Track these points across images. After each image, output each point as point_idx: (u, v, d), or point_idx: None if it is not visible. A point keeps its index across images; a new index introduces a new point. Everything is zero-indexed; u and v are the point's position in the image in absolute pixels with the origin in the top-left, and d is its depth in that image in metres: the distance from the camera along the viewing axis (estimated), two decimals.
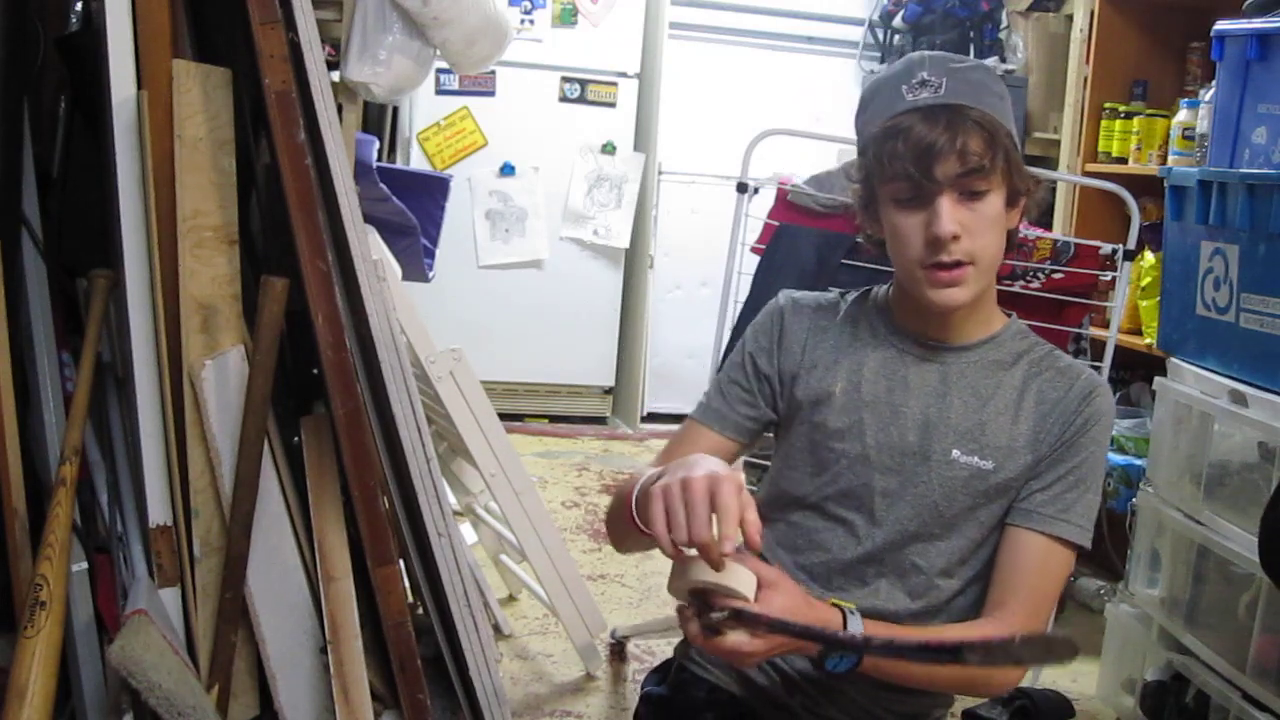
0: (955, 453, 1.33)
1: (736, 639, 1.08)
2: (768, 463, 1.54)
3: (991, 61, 4.14)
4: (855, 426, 1.36)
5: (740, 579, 1.10)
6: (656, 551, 1.12)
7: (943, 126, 1.24)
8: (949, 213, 1.25)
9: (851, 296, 1.47)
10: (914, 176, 1.26)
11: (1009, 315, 1.41)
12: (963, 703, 2.57)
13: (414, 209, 2.64)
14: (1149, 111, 3.34)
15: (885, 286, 1.45)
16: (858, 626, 1.17)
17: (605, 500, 3.78)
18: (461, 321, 4.36)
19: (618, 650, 2.72)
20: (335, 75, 2.19)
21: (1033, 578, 1.30)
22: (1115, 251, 2.65)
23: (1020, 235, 2.81)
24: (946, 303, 1.29)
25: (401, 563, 1.98)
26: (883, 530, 1.36)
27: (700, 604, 1.11)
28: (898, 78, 1.29)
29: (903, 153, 1.25)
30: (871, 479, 1.36)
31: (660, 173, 4.70)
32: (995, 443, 1.33)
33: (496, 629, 2.73)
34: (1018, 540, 1.32)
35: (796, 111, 4.42)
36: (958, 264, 1.27)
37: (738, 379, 1.46)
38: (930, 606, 1.37)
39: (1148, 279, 3.00)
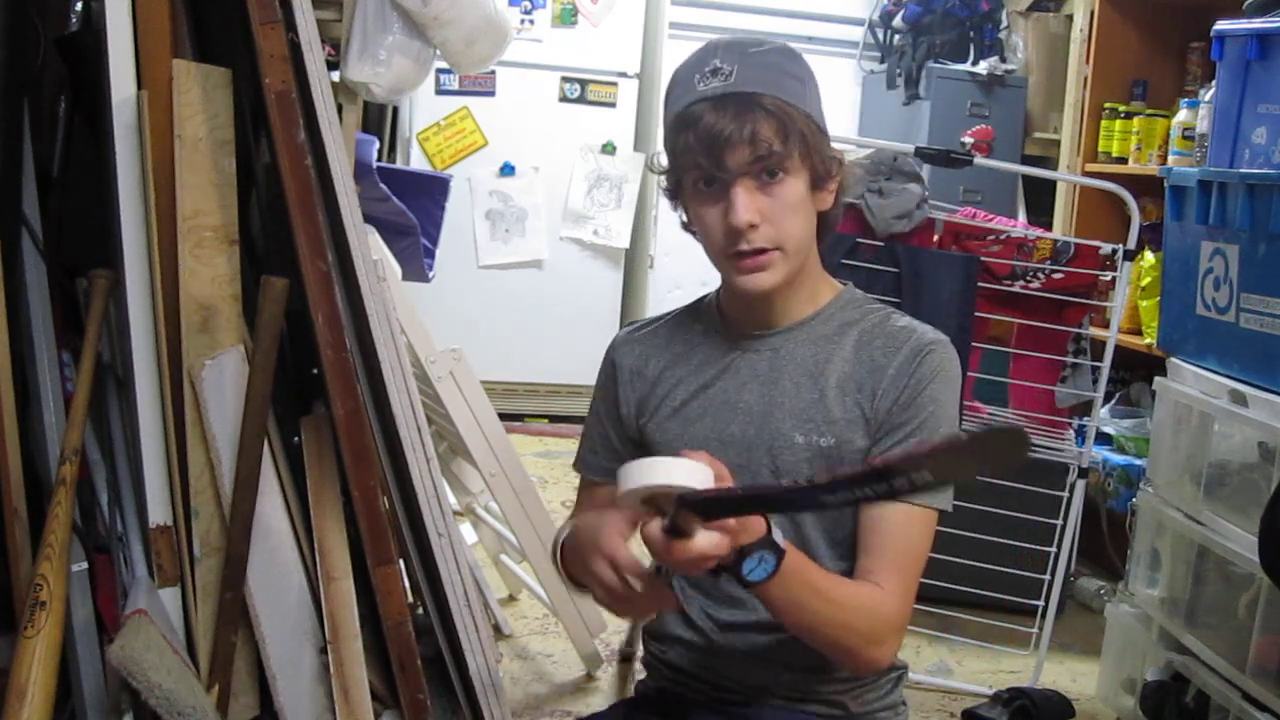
0: (796, 436, 1.31)
1: (705, 539, 1.05)
2: None
3: (992, 61, 4.14)
4: (700, 430, 1.36)
5: (692, 474, 1.07)
6: None
7: (731, 115, 1.23)
8: (744, 202, 1.24)
9: (684, 307, 1.47)
10: (705, 167, 1.25)
11: (843, 284, 1.39)
12: (962, 702, 2.58)
13: (414, 209, 2.64)
14: (1149, 111, 3.34)
15: (716, 290, 1.44)
16: (779, 536, 1.15)
17: None
18: (461, 321, 4.36)
19: (625, 656, 2.72)
20: (335, 75, 2.19)
21: (896, 543, 1.27)
22: (1115, 251, 2.65)
23: (1020, 235, 2.83)
24: (754, 289, 1.29)
25: (401, 563, 1.98)
26: None
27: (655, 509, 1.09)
28: (692, 67, 1.28)
29: (694, 144, 1.24)
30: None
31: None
32: (832, 417, 1.31)
33: (496, 629, 2.73)
34: (873, 509, 1.29)
35: None
36: (760, 251, 1.26)
37: (596, 430, 1.46)
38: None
39: (1148, 279, 3.01)
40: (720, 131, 1.23)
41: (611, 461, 1.39)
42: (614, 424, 1.44)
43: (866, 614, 1.24)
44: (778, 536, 1.13)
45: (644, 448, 1.40)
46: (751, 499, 1.10)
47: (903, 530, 1.28)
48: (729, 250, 1.27)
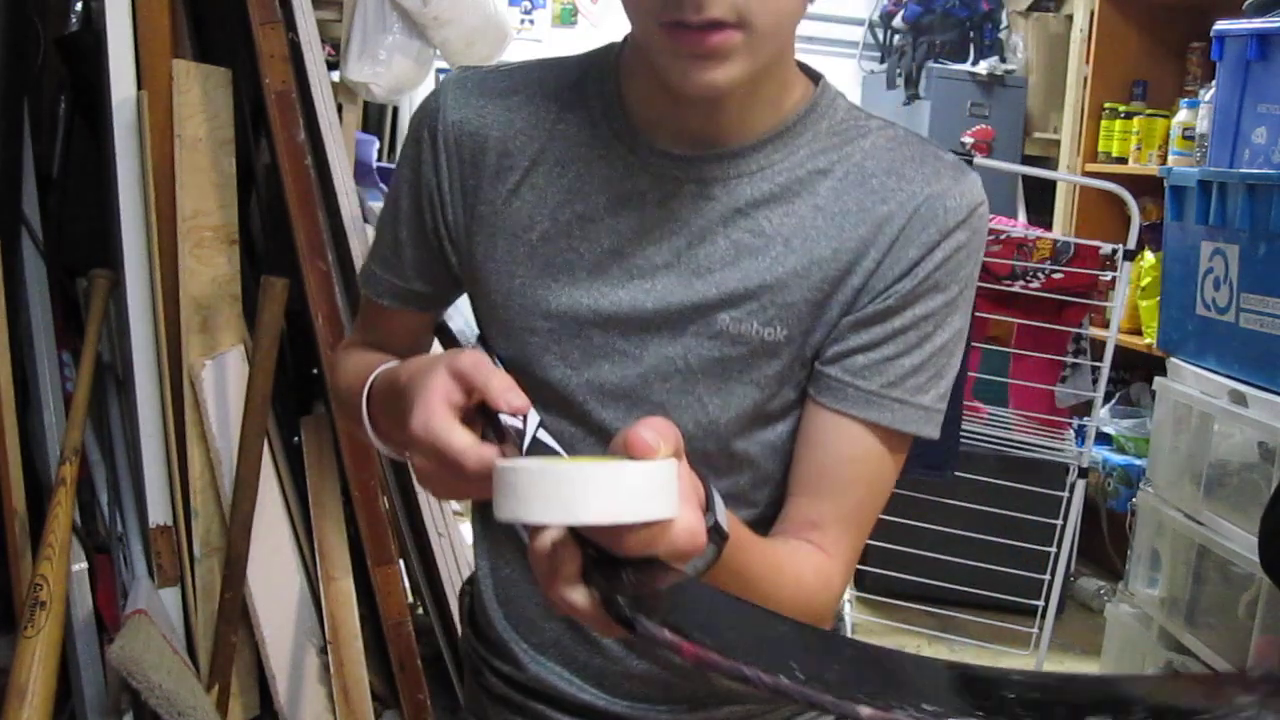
0: (723, 320, 0.85)
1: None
2: None
3: (992, 61, 4.14)
4: (566, 295, 0.88)
5: (651, 500, 0.60)
6: None
7: None
8: None
9: (560, 61, 0.93)
10: None
11: (814, 77, 0.91)
12: None
13: None
14: (1149, 111, 3.34)
15: (614, 51, 0.91)
16: (722, 511, 0.70)
17: None
18: (461, 321, 4.36)
19: None
20: (335, 75, 2.19)
21: (858, 489, 0.87)
22: (1115, 251, 2.65)
23: (1020, 235, 2.83)
24: (699, 87, 0.78)
25: (401, 563, 1.98)
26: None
27: (585, 556, 0.63)
28: None
29: None
30: (599, 371, 0.88)
31: None
32: (787, 298, 0.85)
33: None
34: (830, 427, 0.86)
35: None
36: (714, 25, 0.75)
37: (389, 232, 0.96)
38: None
39: (1148, 279, 3.00)
40: None
41: (406, 282, 0.96)
42: (417, 221, 0.93)
43: (812, 600, 0.86)
44: (720, 512, 0.70)
45: (466, 283, 0.94)
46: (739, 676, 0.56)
47: (871, 468, 0.88)
48: (664, 16, 0.76)
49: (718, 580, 0.73)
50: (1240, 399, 2.12)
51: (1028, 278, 2.80)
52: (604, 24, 4.54)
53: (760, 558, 0.80)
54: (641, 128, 0.87)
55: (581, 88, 0.90)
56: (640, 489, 0.60)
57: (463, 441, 0.68)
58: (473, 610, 1.02)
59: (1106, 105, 3.47)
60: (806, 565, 0.85)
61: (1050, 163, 3.82)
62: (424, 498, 1.93)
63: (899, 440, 0.87)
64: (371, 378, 0.87)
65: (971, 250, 0.86)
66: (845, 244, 0.85)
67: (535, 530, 0.63)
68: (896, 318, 0.85)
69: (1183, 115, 3.05)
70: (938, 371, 0.87)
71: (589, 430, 0.89)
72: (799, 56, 0.90)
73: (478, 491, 0.68)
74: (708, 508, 0.68)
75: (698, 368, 0.86)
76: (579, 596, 0.62)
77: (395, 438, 0.83)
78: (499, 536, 0.97)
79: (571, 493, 0.58)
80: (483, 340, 0.96)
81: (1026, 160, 4.06)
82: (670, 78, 0.79)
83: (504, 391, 0.70)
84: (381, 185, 2.52)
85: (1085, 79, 3.55)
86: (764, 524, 0.89)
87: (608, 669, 0.96)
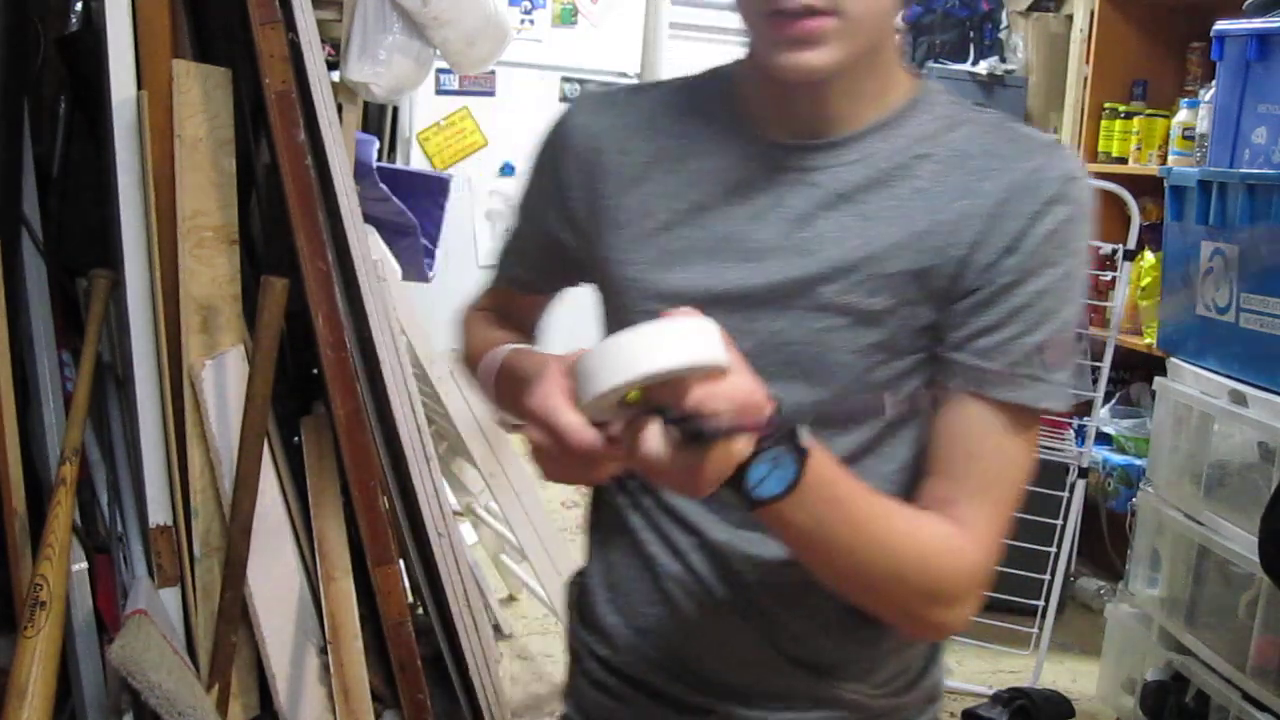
0: (827, 293, 0.90)
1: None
2: None
3: (992, 61, 4.14)
4: (683, 273, 0.95)
5: (709, 342, 0.72)
6: None
7: None
8: None
9: (679, 80, 1.03)
10: None
11: (921, 75, 0.98)
12: (962, 702, 2.58)
13: (414, 209, 2.64)
14: (1149, 111, 3.34)
15: (735, 61, 1.00)
16: (801, 430, 0.78)
17: None
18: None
19: None
20: (335, 75, 2.19)
21: (990, 463, 0.89)
22: (1115, 251, 2.65)
23: None
24: (795, 69, 0.86)
25: (401, 563, 1.98)
26: None
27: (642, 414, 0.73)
28: None
29: None
30: None
31: None
32: (889, 268, 0.89)
33: (496, 629, 2.73)
34: (962, 409, 0.90)
35: None
36: (809, 11, 0.84)
37: (517, 243, 1.09)
38: None
39: (1148, 279, 3.00)
40: None
41: (526, 271, 1.08)
42: (545, 225, 1.03)
43: (934, 564, 0.86)
44: (799, 429, 0.77)
45: (586, 276, 1.03)
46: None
47: (1001, 445, 0.89)
48: (765, 7, 0.86)
49: (815, 510, 0.80)
50: (1240, 399, 2.12)
51: None
52: (604, 24, 4.53)
53: (864, 496, 0.84)
54: (753, 122, 0.95)
55: (698, 93, 0.99)
56: (686, 334, 0.70)
57: (571, 419, 0.74)
58: (580, 598, 1.07)
59: (1106, 105, 3.47)
60: (928, 525, 0.88)
61: None
62: (424, 497, 1.93)
63: (1029, 417, 0.89)
64: (500, 357, 0.99)
65: (1077, 223, 0.89)
66: (945, 216, 0.89)
67: (624, 420, 0.72)
68: (1014, 296, 0.88)
69: (1183, 115, 3.05)
70: (1063, 347, 0.89)
71: None
72: None
73: (581, 469, 0.77)
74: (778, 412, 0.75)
75: (803, 339, 0.91)
76: (654, 436, 0.72)
77: (513, 411, 0.92)
78: (611, 524, 1.03)
79: (628, 352, 0.69)
80: None
81: None
82: (772, 63, 0.87)
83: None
84: (382, 185, 2.52)
85: (1085, 79, 3.55)
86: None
87: (704, 660, 0.98)
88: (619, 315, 0.98)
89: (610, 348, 0.70)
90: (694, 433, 0.70)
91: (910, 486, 0.93)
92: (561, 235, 1.02)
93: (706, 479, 0.73)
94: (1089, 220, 0.91)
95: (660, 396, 0.72)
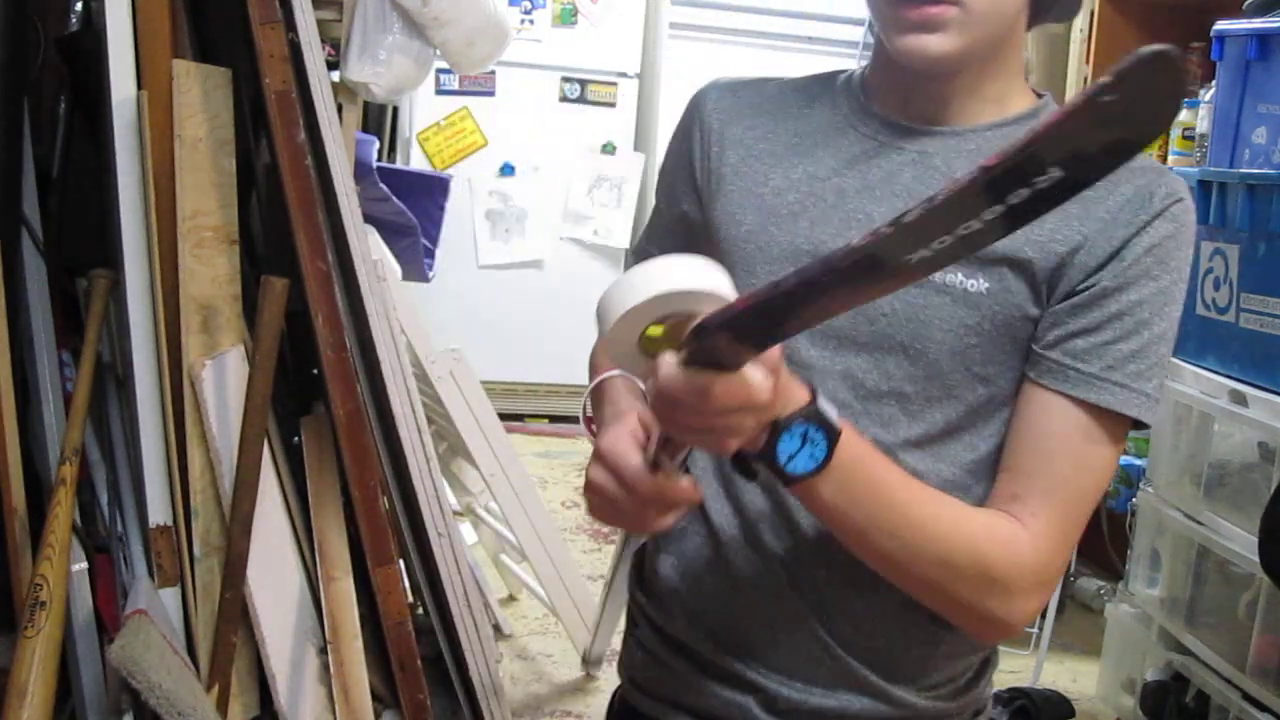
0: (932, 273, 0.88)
1: (755, 373, 0.72)
2: None
3: None
4: (790, 232, 0.98)
5: (712, 273, 0.74)
6: None
7: None
8: None
9: (811, 75, 1.09)
10: None
11: (1041, 95, 1.03)
12: None
13: (414, 209, 2.64)
14: None
15: (864, 65, 1.06)
16: (828, 405, 0.80)
17: None
18: (461, 321, 4.36)
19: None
20: (335, 75, 2.19)
21: (1061, 463, 0.90)
22: None
23: None
24: (917, 51, 0.90)
25: (401, 563, 1.98)
26: (827, 379, 0.96)
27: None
28: None
29: None
30: None
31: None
32: (992, 254, 0.90)
33: (496, 629, 2.73)
34: (1046, 407, 0.91)
35: None
36: (931, 1, 0.88)
37: (656, 220, 1.13)
38: None
39: None
40: None
41: (665, 250, 1.04)
42: (675, 199, 1.07)
43: (985, 551, 0.87)
44: (826, 405, 0.79)
45: (707, 240, 1.04)
46: (810, 284, 0.64)
47: (1081, 448, 0.90)
48: None
49: (851, 491, 0.83)
50: (1240, 399, 2.12)
51: None
52: (604, 24, 4.53)
53: (904, 483, 0.87)
54: (878, 107, 0.99)
55: (829, 82, 1.05)
56: (694, 265, 0.73)
57: (635, 463, 0.79)
58: (642, 565, 1.10)
59: None
60: (981, 516, 0.89)
61: None
62: (424, 497, 1.93)
63: (1114, 424, 0.90)
64: (603, 375, 1.02)
65: (1180, 242, 0.91)
66: (1051, 217, 0.87)
67: (653, 362, 0.73)
68: (1112, 302, 0.90)
69: (1183, 115, 3.04)
70: (1157, 360, 0.91)
71: (798, 366, 0.95)
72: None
73: (636, 514, 0.80)
74: (812, 397, 0.78)
75: (901, 312, 0.93)
76: (672, 368, 0.72)
77: (589, 432, 0.96)
78: None
79: (639, 278, 0.73)
80: None
81: None
82: (895, 46, 0.92)
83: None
84: (382, 185, 2.52)
85: (1085, 79, 3.55)
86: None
87: (752, 633, 0.99)
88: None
89: (625, 279, 0.74)
90: (695, 337, 0.70)
91: (989, 483, 0.94)
92: (687, 208, 1.06)
93: (717, 403, 0.72)
94: (1190, 244, 0.92)
95: (677, 334, 0.73)
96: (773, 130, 1.02)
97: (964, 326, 0.92)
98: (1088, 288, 0.90)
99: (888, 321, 0.93)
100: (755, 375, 0.72)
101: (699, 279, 0.73)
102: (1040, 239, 0.90)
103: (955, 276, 0.92)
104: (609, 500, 0.82)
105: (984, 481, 0.94)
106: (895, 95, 0.99)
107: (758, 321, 0.67)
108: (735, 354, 0.71)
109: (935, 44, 0.90)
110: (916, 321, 0.93)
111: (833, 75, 1.06)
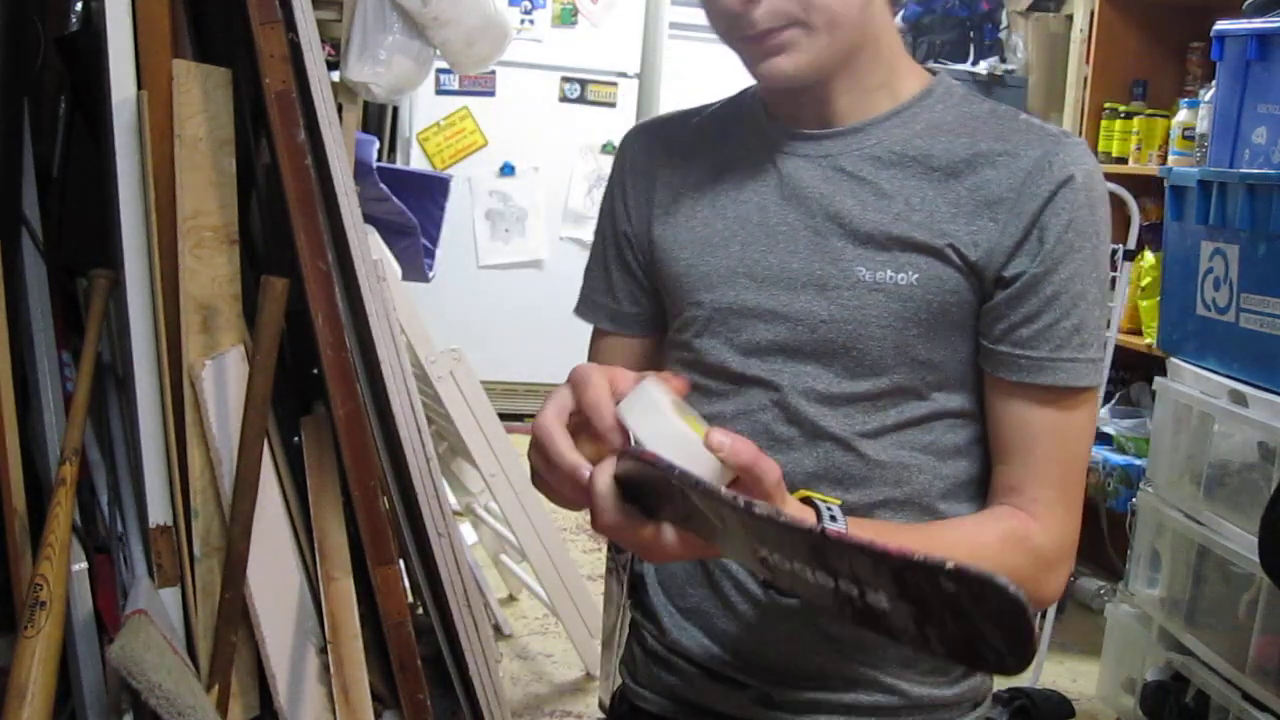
0: (859, 270, 0.97)
1: (661, 534, 0.74)
2: None
3: (991, 61, 4.14)
4: (724, 259, 1.02)
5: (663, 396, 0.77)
6: None
7: None
8: None
9: (726, 98, 1.12)
10: None
11: (933, 72, 1.04)
12: None
13: (414, 209, 2.64)
14: (1149, 111, 3.34)
15: None
16: (839, 525, 0.81)
17: None
18: (461, 321, 4.36)
19: None
20: (335, 75, 2.19)
21: (1054, 446, 0.95)
22: (1115, 251, 2.65)
23: None
24: (772, 76, 0.94)
25: (401, 563, 1.98)
26: (785, 395, 1.00)
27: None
28: None
29: None
30: (754, 332, 1.01)
31: None
32: (914, 242, 0.95)
33: (496, 629, 2.73)
34: (1010, 399, 0.96)
35: None
36: (768, 33, 0.92)
37: (597, 262, 1.17)
38: (873, 500, 0.99)
39: (1148, 279, 3.00)
40: None
41: (616, 303, 1.14)
42: (615, 244, 1.13)
43: (1007, 562, 0.92)
44: (829, 513, 0.81)
45: (652, 265, 1.09)
46: (726, 503, 0.65)
47: (1055, 424, 0.96)
48: (734, 35, 0.95)
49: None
50: (1240, 399, 2.12)
51: None
52: (604, 24, 4.53)
53: (912, 533, 0.93)
54: (780, 119, 1.03)
55: (740, 104, 1.09)
56: (695, 451, 0.72)
57: (560, 445, 0.78)
58: (633, 579, 1.13)
59: (1106, 105, 3.47)
60: (993, 529, 0.95)
61: None
62: (424, 497, 1.93)
63: (1074, 395, 0.96)
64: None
65: (1093, 208, 0.95)
66: (961, 197, 0.96)
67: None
68: (1045, 285, 0.95)
69: (1183, 115, 3.04)
70: (1096, 325, 0.97)
71: (744, 384, 1.01)
72: None
73: (571, 493, 0.78)
74: (818, 520, 0.80)
75: (840, 317, 0.97)
76: (603, 484, 0.74)
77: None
78: None
79: (668, 425, 0.74)
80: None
81: None
82: (754, 74, 0.97)
83: (593, 406, 0.78)
84: (382, 185, 2.52)
85: (1085, 79, 3.55)
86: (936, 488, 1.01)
87: (743, 639, 1.03)
88: (678, 312, 1.07)
89: (660, 407, 0.75)
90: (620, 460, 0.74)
91: (952, 464, 1.00)
92: (631, 252, 1.11)
93: (634, 541, 0.76)
94: (1103, 202, 0.96)
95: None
96: (695, 165, 1.07)
97: (900, 319, 0.96)
98: (1017, 276, 0.95)
99: (828, 328, 0.98)
100: (664, 536, 0.74)
101: (689, 459, 0.71)
102: (955, 229, 0.95)
103: (885, 273, 0.96)
104: (540, 477, 0.84)
105: (947, 460, 1.00)
106: (786, 106, 1.03)
107: (636, 493, 0.71)
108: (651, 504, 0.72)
109: (789, 64, 0.93)
110: (855, 322, 0.97)
111: (740, 97, 1.10)
